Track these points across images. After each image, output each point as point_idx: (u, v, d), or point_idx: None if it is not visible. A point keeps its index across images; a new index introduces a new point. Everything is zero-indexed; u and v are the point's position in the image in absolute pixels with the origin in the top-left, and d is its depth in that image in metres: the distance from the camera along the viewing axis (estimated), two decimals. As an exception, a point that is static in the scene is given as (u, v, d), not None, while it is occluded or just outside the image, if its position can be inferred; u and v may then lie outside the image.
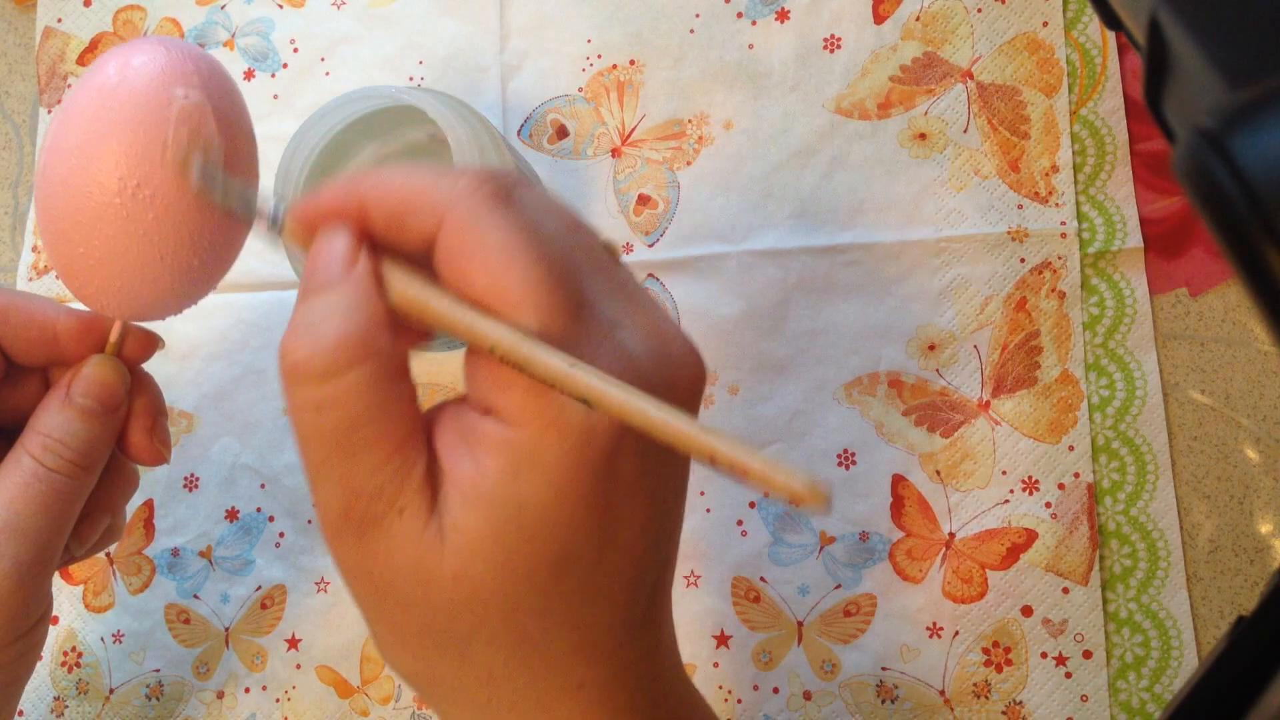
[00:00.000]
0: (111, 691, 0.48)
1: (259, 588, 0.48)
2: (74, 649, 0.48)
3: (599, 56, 0.49)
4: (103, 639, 0.48)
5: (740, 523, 0.45)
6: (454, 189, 0.23)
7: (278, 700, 0.47)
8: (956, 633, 0.43)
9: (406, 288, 0.23)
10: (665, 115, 0.48)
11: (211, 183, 0.28)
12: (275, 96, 0.51)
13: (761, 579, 0.44)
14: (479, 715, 0.25)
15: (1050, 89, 0.45)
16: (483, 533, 0.22)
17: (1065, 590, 0.42)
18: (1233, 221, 0.16)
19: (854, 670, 0.43)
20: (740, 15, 0.48)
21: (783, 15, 0.48)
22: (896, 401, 0.45)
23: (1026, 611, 0.43)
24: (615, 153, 0.48)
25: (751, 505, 0.45)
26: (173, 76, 0.29)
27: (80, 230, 0.29)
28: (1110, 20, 0.27)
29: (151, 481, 0.49)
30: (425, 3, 0.51)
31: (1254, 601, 0.41)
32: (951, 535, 0.44)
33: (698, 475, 0.45)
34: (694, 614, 0.45)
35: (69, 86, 0.53)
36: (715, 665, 0.44)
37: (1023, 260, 0.45)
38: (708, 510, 0.45)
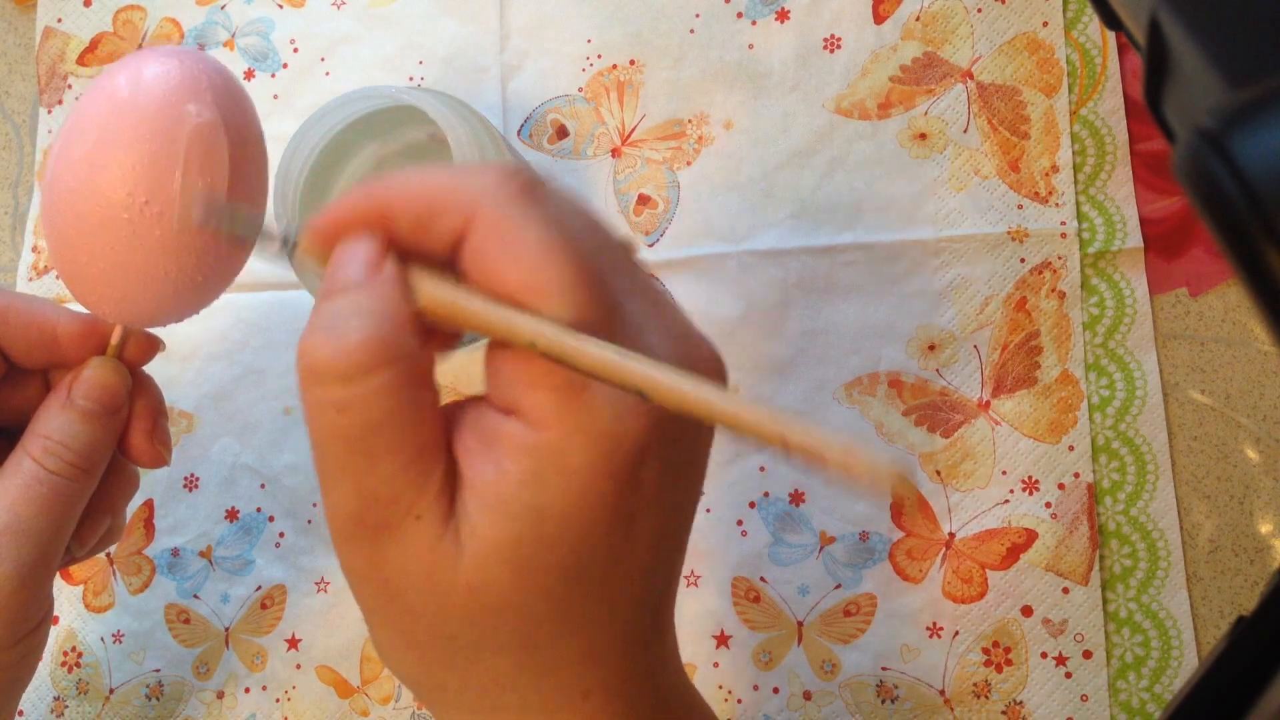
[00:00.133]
0: (111, 691, 0.48)
1: (259, 588, 0.48)
2: (74, 649, 0.48)
3: (599, 56, 0.49)
4: (103, 639, 0.48)
5: (740, 523, 0.45)
6: (482, 185, 0.22)
7: (278, 700, 0.47)
8: (956, 633, 0.43)
9: (436, 289, 0.23)
10: (665, 115, 0.48)
11: (216, 217, 0.28)
12: (275, 96, 0.51)
13: (761, 579, 0.44)
14: None
15: (1050, 89, 0.45)
16: (501, 540, 0.22)
17: (1065, 590, 0.42)
18: (1233, 221, 0.16)
19: (854, 670, 0.43)
20: (740, 15, 0.48)
21: (783, 15, 0.48)
22: (896, 401, 0.45)
23: (1026, 611, 0.43)
24: (615, 153, 0.48)
25: (751, 505, 0.45)
26: (185, 92, 0.28)
27: (86, 240, 0.29)
28: (1110, 20, 0.27)
29: (152, 481, 0.49)
30: (425, 3, 0.51)
31: (1254, 601, 0.41)
32: (951, 535, 0.44)
33: (698, 475, 0.45)
34: (694, 614, 0.45)
35: (69, 87, 0.53)
36: (715, 665, 0.44)
37: (1023, 260, 0.45)
38: (708, 510, 0.45)
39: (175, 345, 0.49)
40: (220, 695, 0.47)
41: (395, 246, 0.23)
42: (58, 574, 0.45)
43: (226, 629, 0.48)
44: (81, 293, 0.31)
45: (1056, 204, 0.45)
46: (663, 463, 0.23)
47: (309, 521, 0.48)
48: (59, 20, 0.54)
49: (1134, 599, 0.42)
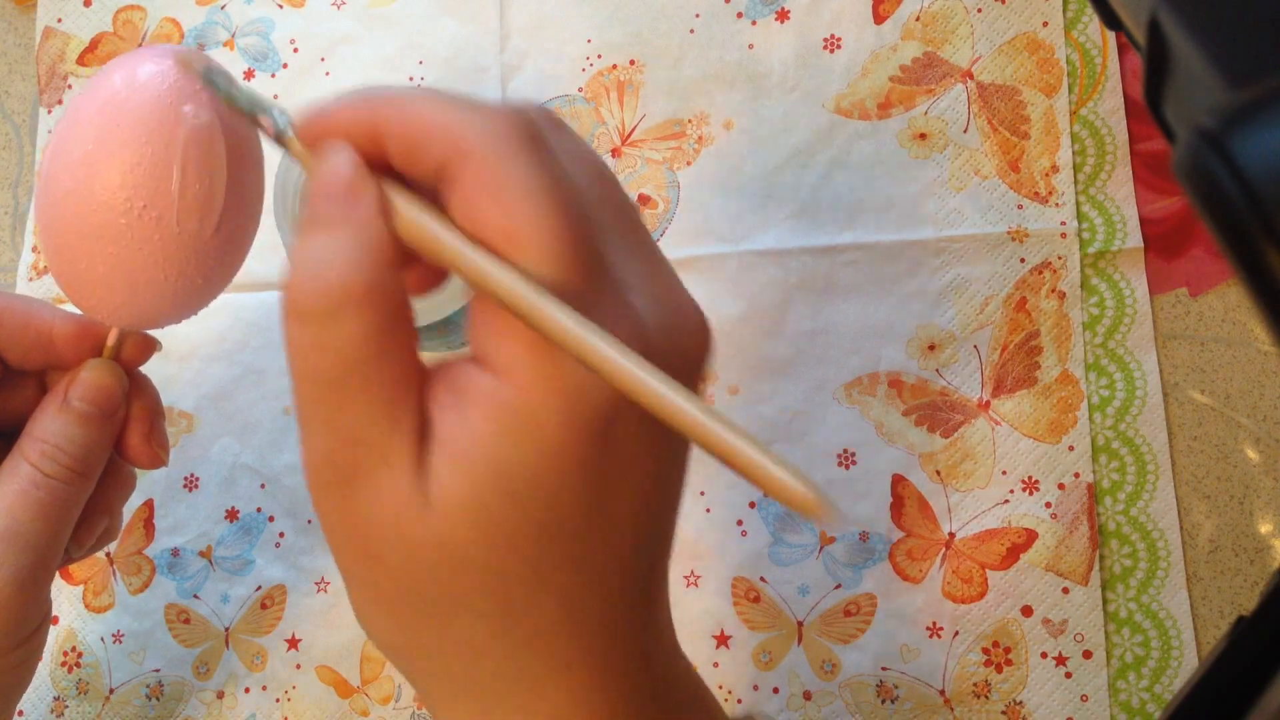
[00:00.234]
0: (111, 691, 0.48)
1: (259, 588, 0.48)
2: (74, 649, 0.48)
3: (599, 56, 0.49)
4: (103, 639, 0.48)
5: (740, 523, 0.45)
6: (484, 125, 0.21)
7: (278, 700, 0.47)
8: (956, 633, 0.43)
9: (416, 218, 0.22)
10: (665, 115, 0.48)
11: (216, 82, 0.27)
12: (275, 96, 0.51)
13: (761, 579, 0.44)
14: (459, 694, 0.24)
15: (1050, 89, 0.45)
16: (465, 496, 0.21)
17: (1065, 590, 0.42)
18: (1233, 221, 0.16)
19: (854, 670, 0.43)
20: (740, 15, 0.48)
21: (783, 15, 0.48)
22: (896, 401, 0.45)
23: (1026, 611, 0.43)
24: (615, 153, 0.48)
25: (751, 505, 0.45)
26: (182, 93, 0.28)
27: (83, 244, 0.29)
28: (1110, 20, 0.27)
29: (151, 481, 0.49)
30: (425, 3, 0.50)
31: (1254, 601, 0.41)
32: (951, 535, 0.43)
33: (698, 474, 0.45)
34: (694, 614, 0.45)
35: (69, 87, 0.53)
36: (715, 665, 0.44)
37: (1023, 260, 0.44)
38: (708, 510, 0.45)
39: (174, 345, 0.49)
40: (220, 695, 0.47)
41: (381, 165, 0.23)
42: (57, 574, 0.45)
43: (226, 629, 0.48)
44: (78, 296, 0.30)
45: (1056, 204, 0.44)
46: (639, 425, 0.22)
47: (309, 521, 0.48)
48: (59, 20, 0.54)
49: (1134, 599, 0.42)
